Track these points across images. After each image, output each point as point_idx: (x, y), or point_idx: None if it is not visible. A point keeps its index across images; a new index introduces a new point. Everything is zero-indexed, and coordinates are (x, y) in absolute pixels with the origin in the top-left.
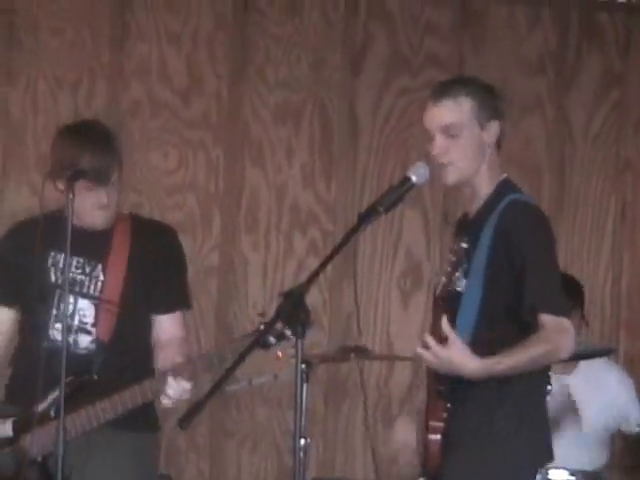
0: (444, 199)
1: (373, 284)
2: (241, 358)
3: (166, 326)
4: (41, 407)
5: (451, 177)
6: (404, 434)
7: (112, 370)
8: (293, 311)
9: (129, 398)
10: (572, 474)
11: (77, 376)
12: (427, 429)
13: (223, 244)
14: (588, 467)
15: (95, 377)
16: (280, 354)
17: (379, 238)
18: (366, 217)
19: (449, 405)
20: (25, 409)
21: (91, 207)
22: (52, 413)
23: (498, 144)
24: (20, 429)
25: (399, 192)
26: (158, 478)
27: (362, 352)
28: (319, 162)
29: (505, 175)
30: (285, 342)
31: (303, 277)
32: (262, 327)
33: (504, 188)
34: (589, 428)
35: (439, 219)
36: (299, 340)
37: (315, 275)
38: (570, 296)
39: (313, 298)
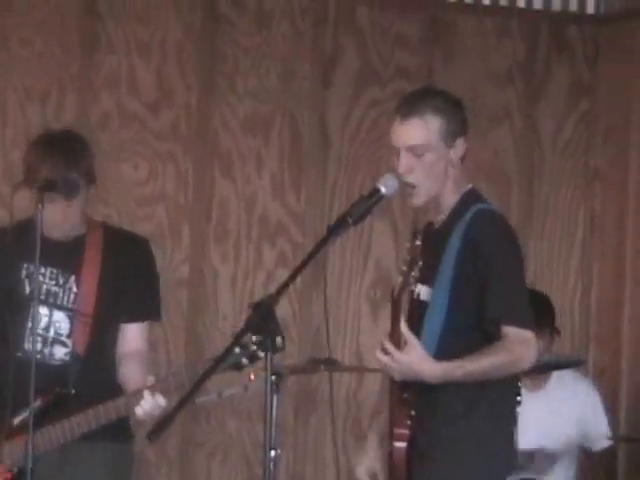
0: (413, 210)
1: (343, 295)
2: (208, 375)
3: (131, 336)
4: (18, 419)
5: (417, 201)
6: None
7: (88, 382)
8: (262, 323)
9: (103, 413)
10: None
11: (54, 389)
12: (391, 437)
13: (193, 255)
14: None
15: (72, 391)
16: (252, 376)
17: (348, 249)
18: (335, 229)
19: (413, 412)
20: (1, 420)
21: (58, 214)
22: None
23: (462, 159)
24: None
25: (368, 203)
26: None
27: (331, 364)
28: (288, 173)
29: (470, 185)
30: (257, 363)
31: (272, 288)
32: (236, 348)
33: (470, 198)
34: (558, 442)
35: (408, 230)
36: (268, 352)
37: (285, 286)
38: (540, 314)
39: (283, 309)
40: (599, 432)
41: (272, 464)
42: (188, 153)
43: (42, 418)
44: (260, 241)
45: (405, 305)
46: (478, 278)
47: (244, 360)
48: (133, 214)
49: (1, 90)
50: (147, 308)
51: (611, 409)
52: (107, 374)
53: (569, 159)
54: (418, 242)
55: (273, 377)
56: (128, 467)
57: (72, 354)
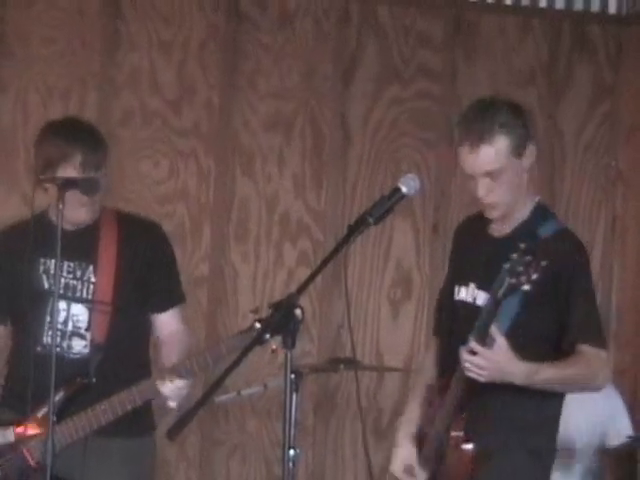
0: (434, 210)
1: (363, 295)
2: (242, 355)
3: (166, 323)
4: (42, 412)
5: (496, 213)
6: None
7: (109, 371)
8: (283, 322)
9: (127, 400)
10: None
11: (75, 380)
12: (449, 440)
13: (213, 254)
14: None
15: (93, 380)
16: (274, 346)
17: (369, 249)
18: (356, 228)
19: (464, 415)
20: (24, 415)
21: (74, 204)
22: (54, 418)
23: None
24: (21, 435)
25: (389, 203)
26: None
27: (352, 363)
28: (310, 172)
29: (538, 198)
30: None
31: (293, 288)
32: (256, 323)
33: (541, 212)
34: (574, 440)
35: (429, 230)
36: (289, 351)
37: (305, 286)
38: None
39: (303, 309)
40: (620, 431)
41: (291, 463)
42: (209, 151)
43: (65, 409)
44: (281, 240)
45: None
46: (557, 302)
47: (266, 336)
48: (153, 212)
49: (23, 89)
50: (174, 295)
51: (631, 410)
52: (129, 362)
53: (591, 159)
54: (495, 256)
55: (293, 376)
56: (148, 463)
57: (92, 344)
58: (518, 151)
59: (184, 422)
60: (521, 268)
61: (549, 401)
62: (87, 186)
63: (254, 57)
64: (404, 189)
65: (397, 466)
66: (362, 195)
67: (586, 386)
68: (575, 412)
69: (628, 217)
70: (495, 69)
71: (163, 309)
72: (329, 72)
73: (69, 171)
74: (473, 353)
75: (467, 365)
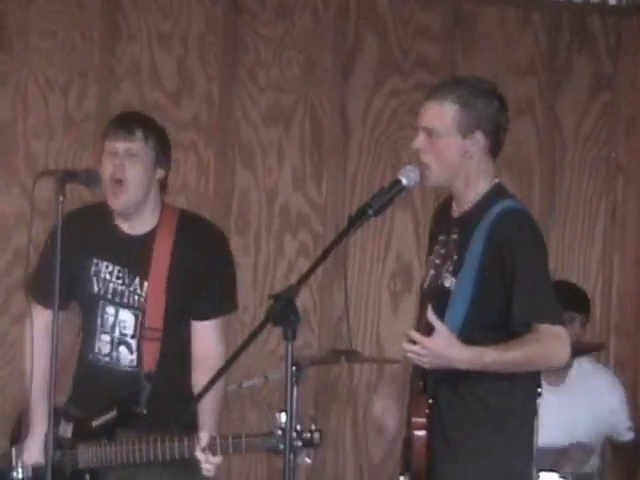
0: (434, 201)
1: (363, 286)
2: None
3: (203, 335)
4: (97, 423)
5: (429, 182)
6: (385, 401)
7: (158, 400)
8: (283, 313)
9: (165, 450)
10: (562, 477)
11: (130, 406)
12: (410, 425)
13: None
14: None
15: (145, 412)
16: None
17: (369, 240)
18: (356, 220)
19: (431, 400)
20: (81, 419)
21: (107, 172)
22: (104, 438)
23: (493, 153)
24: (76, 436)
25: (389, 194)
26: None
27: (352, 355)
28: (310, 164)
29: (497, 180)
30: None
31: (293, 279)
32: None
33: (494, 193)
34: (581, 435)
35: (429, 221)
36: (289, 343)
37: (305, 277)
38: (576, 306)
39: (303, 300)
40: (622, 424)
41: (292, 455)
42: (209, 144)
43: (113, 429)
44: (281, 232)
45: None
46: (504, 279)
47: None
48: None
49: (23, 81)
50: (219, 304)
51: (632, 401)
52: (179, 389)
53: (591, 150)
54: (455, 236)
55: (293, 368)
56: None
57: (142, 373)
58: (462, 129)
59: (187, 413)
60: None
61: (518, 393)
62: (88, 178)
63: (253, 49)
64: (404, 181)
65: (376, 408)
66: (362, 187)
67: (545, 366)
68: (578, 404)
69: (628, 208)
70: (494, 60)
71: (202, 317)
72: (329, 64)
73: (106, 144)
74: (414, 342)
75: (409, 354)
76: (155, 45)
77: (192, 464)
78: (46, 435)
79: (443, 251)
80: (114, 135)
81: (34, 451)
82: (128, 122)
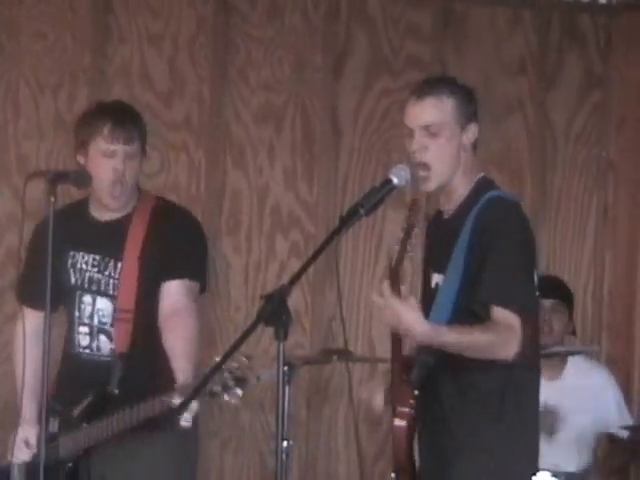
0: (426, 201)
1: (355, 286)
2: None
3: (171, 293)
4: (77, 411)
5: (430, 184)
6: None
7: (131, 381)
8: (275, 313)
9: (139, 411)
10: (555, 475)
11: (103, 387)
12: (394, 414)
13: None
14: (571, 469)
15: (116, 391)
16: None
17: (361, 240)
18: (348, 219)
19: (416, 392)
20: (65, 412)
21: (107, 175)
22: (84, 424)
23: (474, 146)
24: (61, 429)
25: (380, 194)
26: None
27: (344, 354)
28: (301, 164)
29: (482, 174)
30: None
31: (285, 279)
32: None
33: (482, 186)
34: (575, 431)
35: (421, 220)
36: (281, 343)
37: (297, 277)
38: (561, 295)
39: (295, 300)
40: (618, 420)
41: (284, 455)
42: (200, 144)
43: (91, 414)
44: (272, 232)
45: (404, 275)
46: (480, 263)
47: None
48: None
49: (13, 83)
50: (187, 266)
51: (623, 398)
52: (150, 371)
53: (582, 149)
54: (447, 236)
55: (285, 368)
56: (192, 453)
57: (114, 353)
58: (461, 121)
59: (177, 413)
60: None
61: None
62: (79, 179)
63: (244, 50)
64: (395, 180)
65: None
66: (353, 187)
67: (493, 355)
68: (572, 400)
69: (619, 207)
70: (485, 60)
71: (170, 277)
72: (319, 64)
73: (100, 144)
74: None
75: (375, 305)
76: (146, 46)
77: (182, 449)
78: (38, 437)
79: (406, 225)
80: (111, 136)
81: (21, 448)
82: (126, 124)
